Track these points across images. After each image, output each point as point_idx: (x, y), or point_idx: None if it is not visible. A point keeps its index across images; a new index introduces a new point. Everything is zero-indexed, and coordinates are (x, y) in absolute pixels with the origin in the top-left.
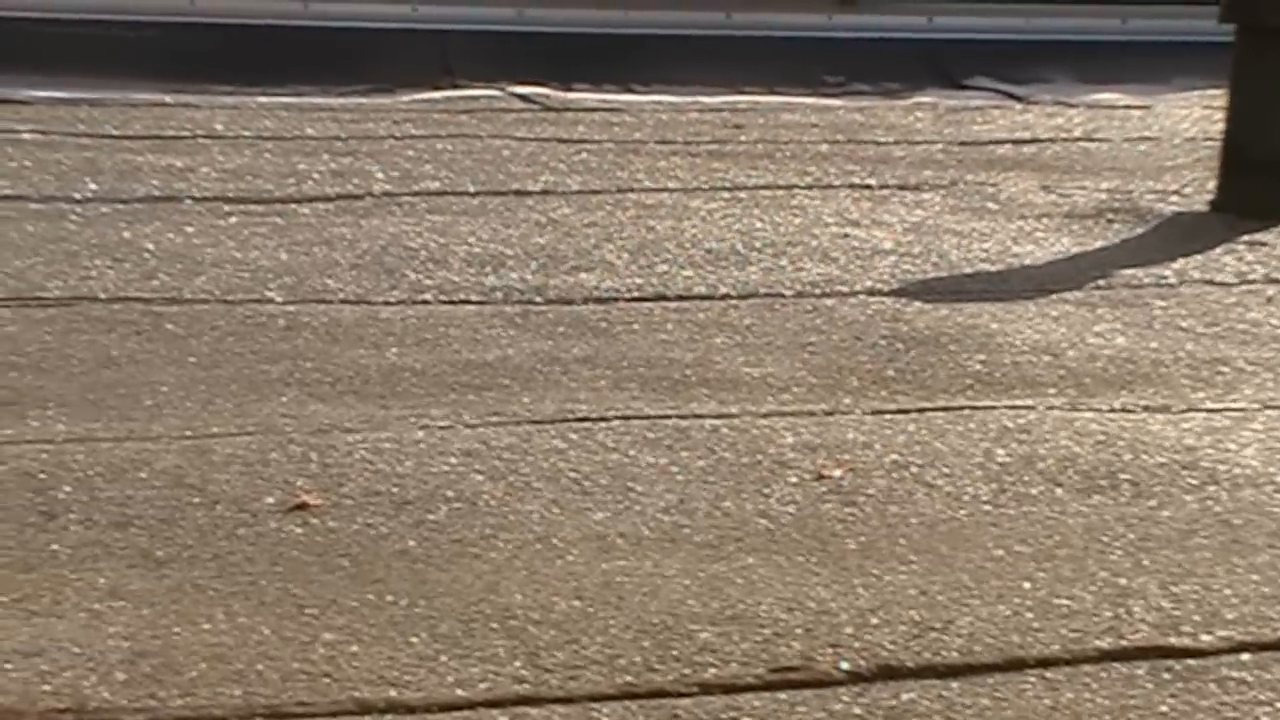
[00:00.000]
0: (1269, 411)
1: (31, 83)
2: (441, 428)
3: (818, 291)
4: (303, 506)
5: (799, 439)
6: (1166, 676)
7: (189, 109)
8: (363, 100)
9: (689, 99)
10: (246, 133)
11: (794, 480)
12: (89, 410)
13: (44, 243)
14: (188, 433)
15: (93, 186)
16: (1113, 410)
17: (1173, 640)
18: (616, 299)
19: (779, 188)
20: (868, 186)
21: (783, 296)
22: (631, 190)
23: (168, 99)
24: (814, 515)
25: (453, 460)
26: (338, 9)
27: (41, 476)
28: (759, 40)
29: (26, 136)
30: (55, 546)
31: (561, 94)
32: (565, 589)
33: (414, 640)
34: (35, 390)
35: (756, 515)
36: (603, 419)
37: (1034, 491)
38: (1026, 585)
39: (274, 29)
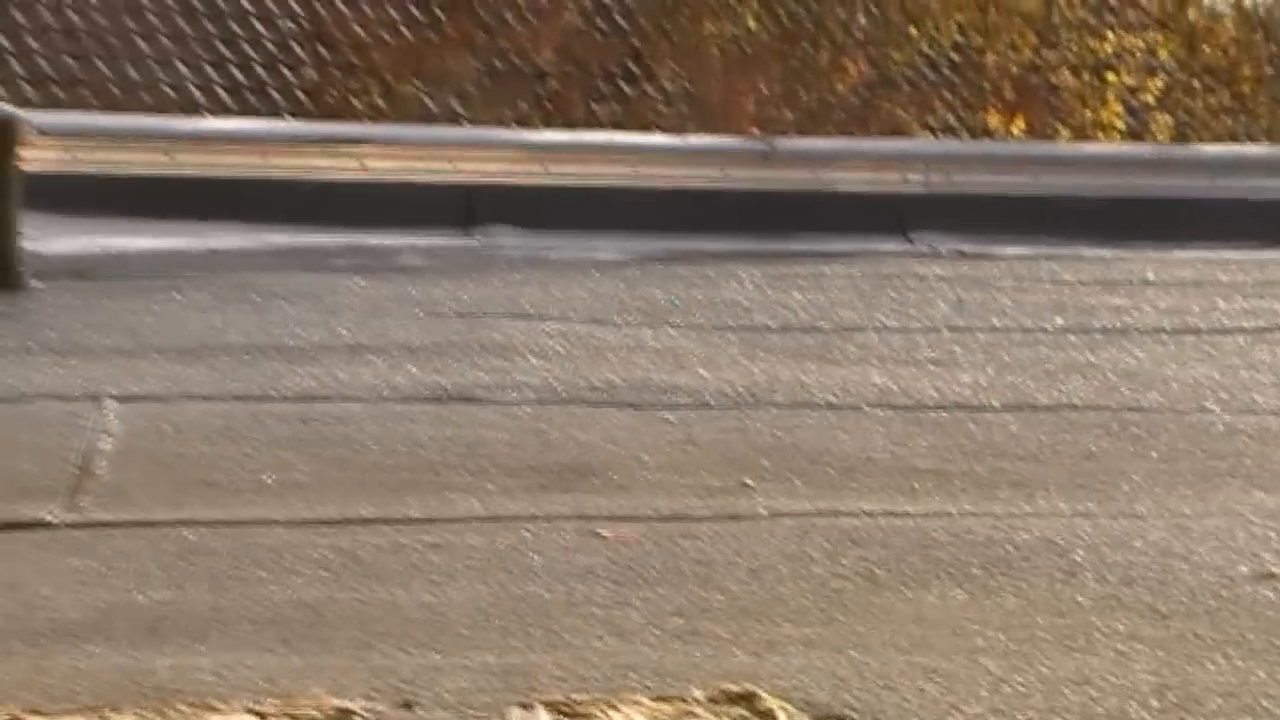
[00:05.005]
0: None
1: (1005, 240)
2: None
3: None
4: (1270, 576)
5: None
6: None
7: (1124, 261)
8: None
9: None
10: (1171, 280)
11: None
12: (1080, 493)
13: (1031, 364)
14: (1163, 513)
15: (1059, 321)
16: None
17: None
18: None
19: None
20: None
21: None
22: None
23: (1106, 254)
24: None
25: None
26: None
27: (1059, 543)
28: None
29: (1005, 283)
30: (1079, 598)
31: None
32: None
33: None
34: (1037, 476)
35: None
36: None
37: None
38: None
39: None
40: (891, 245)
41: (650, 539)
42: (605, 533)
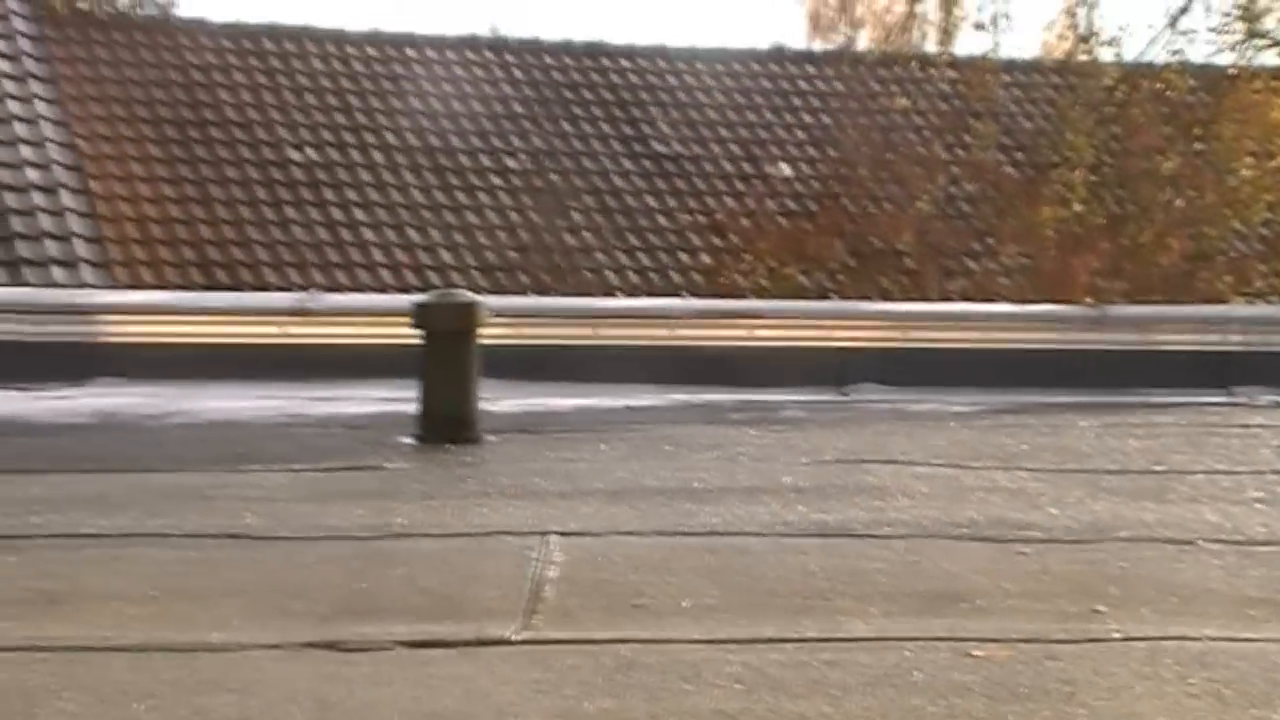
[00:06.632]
0: None
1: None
2: None
3: None
4: None
5: None
6: None
7: None
8: None
9: None
10: None
11: None
12: None
13: None
14: None
15: None
16: None
17: None
18: None
19: None
20: None
21: None
22: None
23: None
24: None
25: None
26: None
27: None
28: None
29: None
30: None
31: None
32: None
33: None
34: None
35: None
36: None
37: None
38: None
39: None
40: (1215, 398)
41: (1017, 659)
42: (978, 652)
